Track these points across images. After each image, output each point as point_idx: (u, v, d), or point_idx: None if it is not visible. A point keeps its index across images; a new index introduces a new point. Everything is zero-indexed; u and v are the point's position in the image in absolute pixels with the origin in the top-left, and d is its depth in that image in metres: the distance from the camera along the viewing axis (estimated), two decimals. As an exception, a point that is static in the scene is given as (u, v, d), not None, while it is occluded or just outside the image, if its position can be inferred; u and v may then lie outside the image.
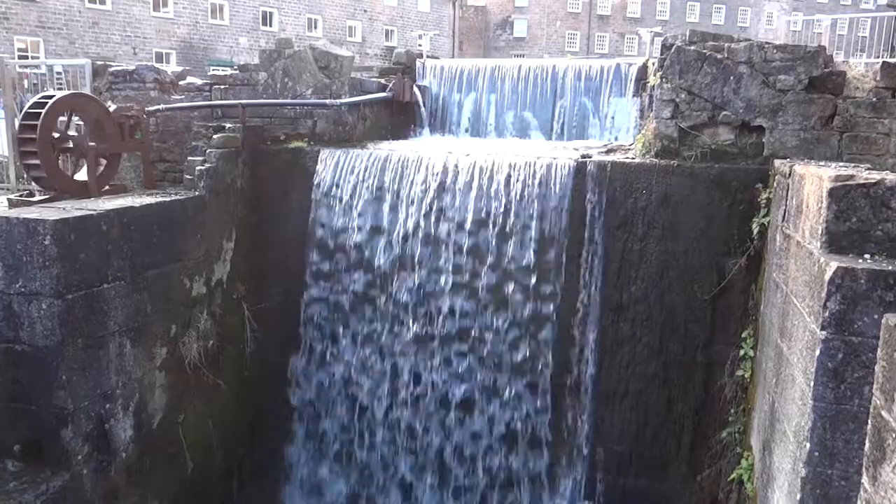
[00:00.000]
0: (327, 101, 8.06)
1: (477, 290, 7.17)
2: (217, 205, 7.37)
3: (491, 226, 7.05)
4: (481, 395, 7.32)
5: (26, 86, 10.29)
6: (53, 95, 7.05)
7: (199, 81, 8.78)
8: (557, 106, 9.25)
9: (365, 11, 46.46)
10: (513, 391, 7.23)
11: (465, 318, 7.23)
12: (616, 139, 8.64)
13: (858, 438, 3.75)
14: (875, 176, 4.13)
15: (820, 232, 4.14)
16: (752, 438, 6.08)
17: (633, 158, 7.02)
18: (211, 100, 8.43)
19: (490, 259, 7.09)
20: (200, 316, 7.21)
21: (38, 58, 27.79)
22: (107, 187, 7.38)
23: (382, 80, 9.31)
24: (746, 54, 6.53)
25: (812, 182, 4.51)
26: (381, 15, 47.51)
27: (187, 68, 10.08)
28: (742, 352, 6.47)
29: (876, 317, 3.64)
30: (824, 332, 3.82)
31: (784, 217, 5.33)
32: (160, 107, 8.36)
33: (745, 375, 6.41)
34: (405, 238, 7.33)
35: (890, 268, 3.75)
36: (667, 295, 6.76)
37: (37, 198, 7.04)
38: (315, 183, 7.63)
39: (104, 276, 5.94)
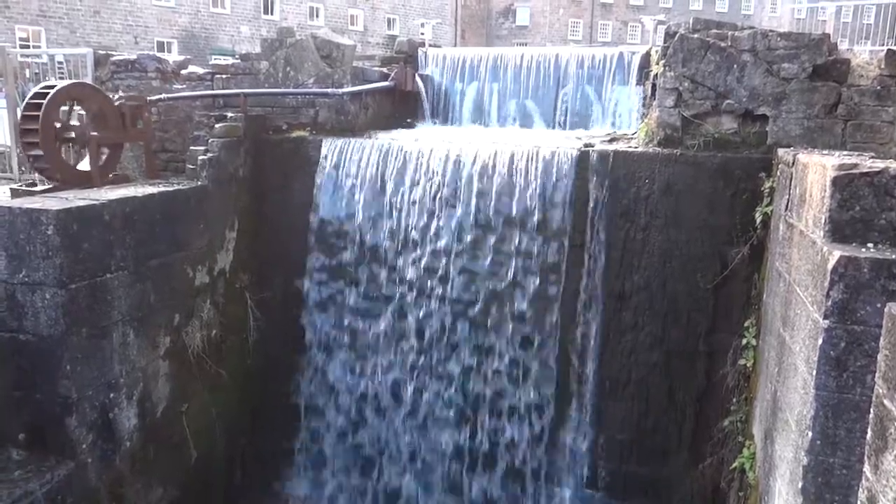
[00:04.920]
0: (329, 91, 8.04)
1: (479, 279, 7.17)
2: (219, 194, 7.37)
3: (493, 215, 7.04)
4: (485, 382, 7.34)
5: (28, 75, 10.27)
6: (55, 85, 7.05)
7: (200, 71, 8.76)
8: (560, 95, 9.21)
9: (367, 0, 46.25)
10: (514, 378, 7.25)
11: (467, 306, 7.23)
12: (619, 128, 8.61)
13: (860, 427, 3.76)
14: (879, 164, 4.11)
15: (823, 221, 4.13)
16: (754, 427, 6.09)
17: (635, 147, 7.00)
18: (213, 89, 8.42)
19: (492, 248, 7.09)
20: (203, 305, 7.23)
21: (39, 47, 27.72)
22: (109, 177, 7.39)
23: (384, 70, 9.27)
24: (750, 42, 6.50)
25: (815, 171, 4.49)
26: (382, 3, 47.30)
27: (189, 57, 10.03)
28: (744, 341, 6.47)
29: (879, 306, 3.64)
30: (827, 321, 3.82)
31: (787, 206, 5.32)
32: (162, 96, 8.34)
33: (748, 364, 6.41)
34: (407, 227, 7.33)
35: (893, 257, 3.73)
36: (669, 284, 6.76)
37: (39, 188, 7.06)
38: (317, 172, 7.62)
39: (107, 265, 5.95)
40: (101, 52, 9.14)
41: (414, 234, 7.31)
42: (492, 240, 7.08)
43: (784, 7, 53.14)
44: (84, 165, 7.37)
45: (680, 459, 7.00)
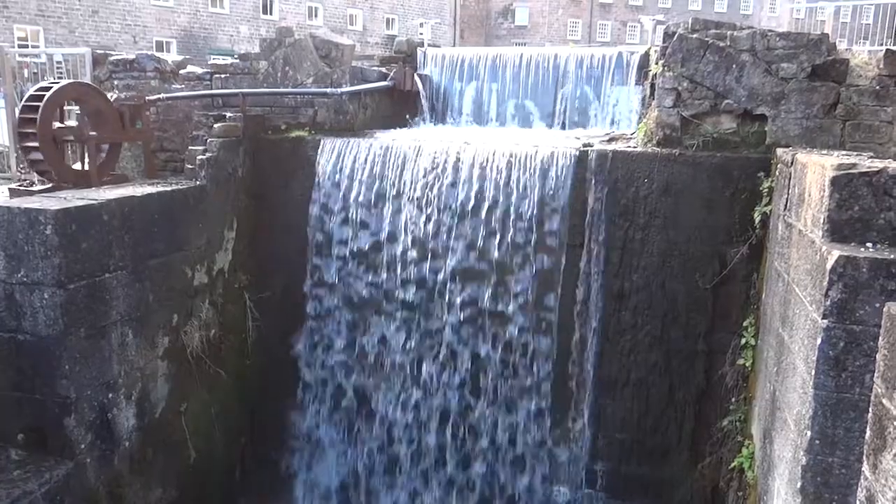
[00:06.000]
0: (328, 90, 8.03)
1: (478, 277, 7.17)
2: (218, 194, 7.37)
3: (492, 214, 7.04)
4: (483, 381, 7.34)
5: (26, 75, 10.27)
6: (53, 85, 7.05)
7: (199, 70, 8.75)
8: (559, 94, 9.20)
9: (366, 0, 46.23)
10: (514, 379, 7.25)
11: (467, 307, 7.23)
12: (618, 128, 8.61)
13: (859, 427, 3.76)
14: (878, 164, 4.12)
15: (822, 220, 4.13)
16: (753, 427, 6.10)
17: (634, 147, 7.00)
18: (211, 89, 8.41)
19: (491, 247, 7.08)
20: (202, 305, 7.23)
21: (38, 47, 27.70)
22: (108, 177, 7.38)
23: (383, 69, 9.27)
24: (749, 42, 6.50)
25: (814, 171, 4.49)
26: (382, 3, 47.28)
27: (188, 57, 10.05)
28: (743, 340, 6.47)
29: (877, 305, 3.64)
30: (826, 321, 3.82)
31: (786, 206, 5.32)
32: (161, 96, 8.34)
33: (747, 364, 6.42)
34: (406, 227, 7.32)
35: (892, 256, 3.74)
36: (668, 283, 6.76)
37: (38, 187, 7.05)
38: (316, 172, 7.61)
39: (106, 265, 5.95)
40: (99, 51, 9.14)
41: (413, 234, 7.30)
42: (490, 239, 7.07)
43: (783, 7, 53.17)
44: (82, 165, 7.37)
45: (679, 459, 7.00)
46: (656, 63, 7.11)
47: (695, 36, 6.64)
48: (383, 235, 7.42)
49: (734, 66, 6.53)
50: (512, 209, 6.98)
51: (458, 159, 7.15)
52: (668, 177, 6.64)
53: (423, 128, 9.20)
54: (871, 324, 3.67)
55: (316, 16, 43.23)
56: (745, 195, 6.43)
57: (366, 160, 7.43)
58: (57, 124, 7.05)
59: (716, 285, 6.63)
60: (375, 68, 9.22)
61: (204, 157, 7.27)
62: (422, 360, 7.47)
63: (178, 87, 8.56)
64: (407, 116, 9.44)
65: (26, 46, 27.60)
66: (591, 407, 7.15)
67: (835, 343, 3.81)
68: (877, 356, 2.51)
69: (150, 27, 35.47)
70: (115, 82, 8.67)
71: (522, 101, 9.31)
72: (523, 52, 9.56)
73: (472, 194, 7.06)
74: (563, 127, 9.13)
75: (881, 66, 6.31)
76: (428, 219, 7.22)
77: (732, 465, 6.31)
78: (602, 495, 7.24)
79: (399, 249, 7.37)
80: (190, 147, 7.59)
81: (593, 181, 6.84)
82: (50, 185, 6.95)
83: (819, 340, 3.86)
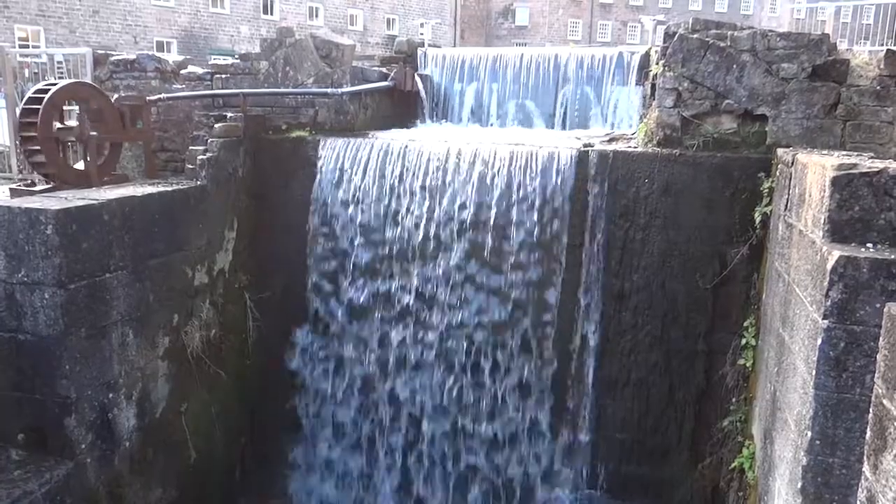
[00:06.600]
0: (329, 91, 8.04)
1: (478, 280, 7.16)
2: (219, 194, 7.37)
3: (492, 214, 7.04)
4: (482, 385, 7.33)
5: (27, 75, 10.27)
6: (54, 85, 7.05)
7: (200, 70, 8.76)
8: (560, 95, 9.21)
9: (366, 0, 46.25)
10: (514, 380, 7.25)
11: (465, 307, 7.23)
12: (618, 128, 8.61)
13: (860, 427, 3.76)
14: (878, 164, 4.12)
15: (822, 221, 4.13)
16: (754, 427, 6.10)
17: (635, 147, 7.00)
18: (212, 89, 8.42)
19: (491, 248, 7.08)
20: (203, 305, 7.23)
21: (38, 47, 27.71)
22: (108, 177, 7.39)
23: (384, 69, 9.27)
24: (749, 42, 6.50)
25: (815, 171, 4.49)
26: (382, 3, 47.30)
27: (188, 57, 10.04)
28: (743, 341, 6.47)
29: (878, 306, 3.64)
30: (826, 321, 3.82)
31: (786, 206, 5.32)
32: (161, 96, 8.34)
33: (747, 364, 6.42)
34: (406, 228, 7.32)
35: (892, 257, 3.74)
36: (668, 284, 6.76)
37: (38, 187, 7.05)
38: (317, 172, 7.61)
39: (106, 265, 5.94)
40: (100, 51, 9.14)
41: (413, 234, 7.30)
42: (491, 239, 7.07)
43: (783, 7, 53.15)
44: (82, 165, 7.37)
45: (680, 459, 7.00)
46: (657, 63, 7.11)
47: (695, 36, 6.64)
48: (384, 234, 7.41)
49: (735, 66, 6.53)
50: (512, 209, 6.98)
51: (458, 159, 7.15)
52: (669, 177, 6.64)
53: (423, 128, 9.20)
54: (872, 324, 3.67)
55: (316, 16, 43.25)
56: (745, 195, 6.43)
57: (366, 160, 7.43)
58: (58, 124, 7.05)
59: (716, 285, 6.63)
60: (376, 68, 9.22)
61: (204, 157, 7.27)
62: (421, 361, 7.47)
63: (179, 87, 8.56)
64: (407, 117, 9.44)
65: (27, 46, 27.60)
66: (591, 407, 7.15)
67: (835, 343, 3.81)
68: (877, 356, 2.51)
69: (150, 27, 35.49)
70: (116, 82, 8.68)
71: (523, 101, 9.31)
72: (524, 52, 9.56)
73: (472, 194, 7.06)
74: (564, 127, 9.13)
75: (882, 66, 6.30)
76: (428, 218, 7.22)
77: (733, 465, 6.31)
78: (602, 495, 7.23)
79: (399, 248, 7.37)
80: (190, 147, 7.59)
81: (594, 181, 6.84)
82: (51, 185, 6.96)
83: (819, 341, 3.86)
